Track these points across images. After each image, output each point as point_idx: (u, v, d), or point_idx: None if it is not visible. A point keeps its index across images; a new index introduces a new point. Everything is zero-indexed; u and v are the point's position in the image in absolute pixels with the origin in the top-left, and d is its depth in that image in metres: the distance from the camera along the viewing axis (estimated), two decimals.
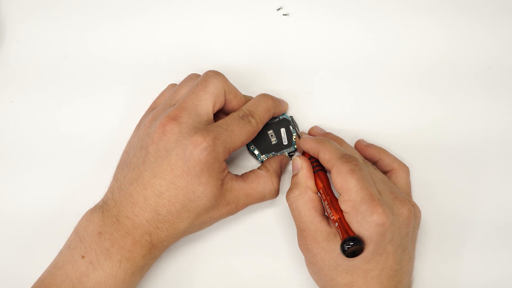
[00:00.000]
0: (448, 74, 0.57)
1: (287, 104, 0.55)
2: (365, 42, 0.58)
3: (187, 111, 0.47)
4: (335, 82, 0.57)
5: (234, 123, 0.48)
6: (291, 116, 0.54)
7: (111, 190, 0.48)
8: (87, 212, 0.48)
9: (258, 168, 0.52)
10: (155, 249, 0.47)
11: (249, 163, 0.55)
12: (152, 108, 0.52)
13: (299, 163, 0.50)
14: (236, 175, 0.50)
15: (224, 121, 0.48)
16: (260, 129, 0.50)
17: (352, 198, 0.45)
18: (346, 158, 0.47)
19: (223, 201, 0.48)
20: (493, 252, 0.54)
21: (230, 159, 0.55)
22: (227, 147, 0.47)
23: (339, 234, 0.46)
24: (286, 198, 0.50)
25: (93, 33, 0.58)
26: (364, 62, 0.57)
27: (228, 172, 0.49)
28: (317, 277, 0.49)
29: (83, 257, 0.45)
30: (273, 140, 0.54)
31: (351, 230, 0.45)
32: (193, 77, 0.52)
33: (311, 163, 0.50)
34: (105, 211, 0.47)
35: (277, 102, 0.53)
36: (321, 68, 0.57)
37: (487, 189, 0.55)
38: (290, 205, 0.49)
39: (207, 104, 0.48)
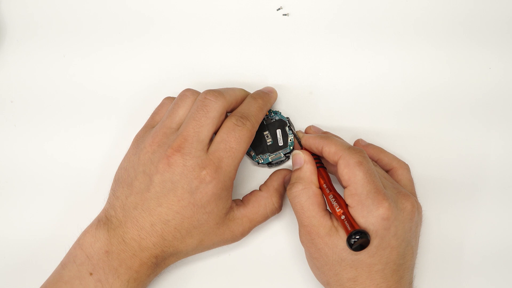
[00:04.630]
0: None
1: (275, 93, 0.54)
2: (365, 42, 0.58)
3: (189, 141, 0.47)
4: (335, 82, 0.57)
5: (231, 136, 0.48)
6: (287, 117, 0.54)
7: (112, 207, 0.49)
8: (91, 227, 0.48)
9: (260, 187, 0.52)
10: (159, 268, 0.49)
11: (244, 163, 0.55)
12: (150, 125, 0.52)
13: (302, 157, 0.50)
14: (238, 200, 0.51)
15: (222, 139, 0.48)
16: (256, 129, 0.50)
17: (358, 192, 0.46)
18: (353, 149, 0.47)
19: (227, 230, 0.49)
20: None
21: None
22: (231, 170, 0.48)
23: (344, 228, 0.46)
24: (287, 192, 0.49)
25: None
26: (364, 62, 0.57)
27: (231, 200, 0.50)
28: (320, 273, 0.48)
29: (91, 274, 0.46)
30: (269, 141, 0.54)
31: (357, 224, 0.45)
32: (189, 94, 0.51)
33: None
34: (110, 229, 0.47)
35: (266, 98, 0.52)
36: (321, 68, 0.57)
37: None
38: (292, 199, 0.49)
39: (208, 129, 0.48)
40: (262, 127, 0.54)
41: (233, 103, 0.50)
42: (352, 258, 0.46)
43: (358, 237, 0.44)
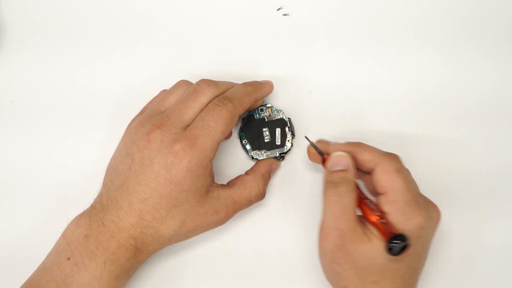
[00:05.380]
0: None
1: (271, 85, 0.54)
2: (365, 42, 0.58)
3: (171, 120, 0.48)
4: (335, 82, 0.57)
5: (209, 115, 0.48)
6: (289, 118, 0.54)
7: (100, 195, 0.49)
8: (76, 217, 0.48)
9: (246, 172, 0.53)
10: (140, 253, 0.47)
11: (238, 157, 0.56)
12: (141, 113, 0.53)
13: (349, 160, 0.47)
14: (222, 184, 0.51)
15: (200, 118, 0.48)
16: (241, 113, 0.50)
17: (398, 199, 0.45)
18: (390, 156, 0.47)
19: (210, 209, 0.48)
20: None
21: (223, 154, 0.56)
22: (208, 147, 0.47)
23: (382, 232, 0.45)
24: (327, 192, 0.47)
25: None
26: (364, 62, 0.57)
27: (214, 182, 0.49)
28: (339, 277, 0.47)
29: (68, 258, 0.46)
30: (266, 138, 0.54)
31: (395, 229, 0.45)
32: (182, 84, 0.52)
33: None
34: (92, 215, 0.47)
35: (257, 86, 0.52)
36: (321, 68, 0.57)
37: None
38: (333, 199, 0.46)
39: (194, 112, 0.48)
40: (263, 123, 0.54)
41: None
42: (382, 264, 0.45)
43: (399, 241, 0.43)
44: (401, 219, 0.45)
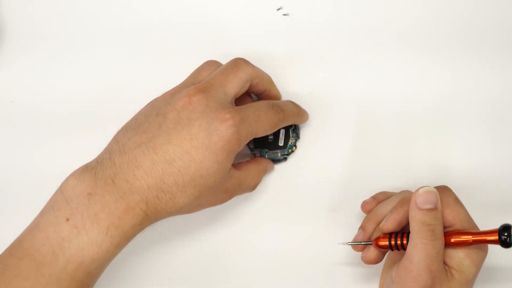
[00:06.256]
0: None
1: (307, 117, 0.55)
2: (365, 42, 0.58)
3: (215, 87, 0.46)
4: (335, 82, 0.57)
5: (263, 109, 0.48)
6: None
7: (109, 151, 0.44)
8: (77, 170, 0.44)
9: (248, 161, 0.52)
10: (146, 220, 0.43)
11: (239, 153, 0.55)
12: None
13: (438, 197, 0.44)
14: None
15: (253, 105, 0.48)
16: (282, 126, 0.50)
17: (466, 227, 0.45)
18: (444, 189, 0.46)
19: (223, 187, 0.47)
20: None
21: None
22: (250, 132, 0.46)
23: (482, 241, 0.44)
24: (422, 235, 0.43)
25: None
26: (364, 62, 0.57)
27: None
28: None
29: (67, 220, 0.41)
30: (270, 138, 0.54)
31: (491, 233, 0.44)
32: (212, 63, 0.51)
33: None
34: (98, 171, 0.43)
35: (302, 112, 0.53)
36: (321, 68, 0.57)
37: None
38: (428, 244, 0.43)
39: (233, 87, 0.47)
40: None
41: (258, 78, 0.50)
42: None
43: (506, 233, 0.42)
44: (466, 252, 0.44)
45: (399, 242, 0.46)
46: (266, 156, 0.54)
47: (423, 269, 0.43)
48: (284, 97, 0.56)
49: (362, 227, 0.50)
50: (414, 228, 0.44)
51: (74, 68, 0.58)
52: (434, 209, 0.43)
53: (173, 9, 0.59)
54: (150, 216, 0.43)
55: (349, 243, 0.49)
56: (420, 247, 0.43)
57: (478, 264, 0.45)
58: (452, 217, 0.45)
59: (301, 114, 0.53)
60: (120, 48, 0.58)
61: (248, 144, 0.54)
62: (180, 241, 0.51)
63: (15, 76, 0.58)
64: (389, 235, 0.47)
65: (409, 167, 0.54)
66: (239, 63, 0.49)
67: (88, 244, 0.41)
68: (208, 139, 0.43)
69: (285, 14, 0.58)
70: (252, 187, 0.52)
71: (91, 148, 0.56)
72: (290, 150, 0.54)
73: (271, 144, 0.54)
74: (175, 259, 0.54)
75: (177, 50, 0.58)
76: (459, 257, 0.44)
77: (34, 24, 0.59)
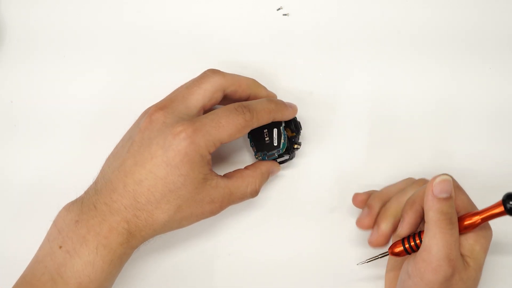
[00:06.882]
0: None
1: (293, 110, 0.52)
2: (365, 42, 0.58)
3: (175, 102, 0.47)
4: (335, 82, 0.57)
5: (224, 114, 0.47)
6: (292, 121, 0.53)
7: (95, 181, 0.48)
8: (68, 203, 0.47)
9: (245, 167, 0.52)
10: (133, 238, 0.46)
11: (241, 158, 0.56)
12: None
13: (452, 185, 0.44)
14: (220, 175, 0.49)
15: (213, 112, 0.47)
16: (254, 126, 0.49)
17: (471, 209, 0.46)
18: (442, 177, 0.46)
19: (207, 197, 0.47)
20: None
21: (227, 155, 0.55)
22: (210, 139, 0.46)
23: (488, 217, 0.44)
24: (441, 224, 0.44)
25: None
26: (363, 62, 0.57)
27: (212, 170, 0.48)
28: None
29: (60, 247, 0.44)
30: (267, 139, 0.53)
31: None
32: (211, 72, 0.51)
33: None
34: (84, 200, 0.46)
35: (280, 106, 0.51)
36: (321, 68, 0.57)
37: None
38: (446, 233, 0.44)
39: (197, 98, 0.48)
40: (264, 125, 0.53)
41: (234, 85, 0.50)
42: (476, 285, 0.45)
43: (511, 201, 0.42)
44: (475, 237, 0.45)
45: (413, 243, 0.46)
46: (266, 158, 0.53)
47: (443, 259, 0.43)
48: (285, 97, 0.56)
49: (369, 206, 0.51)
50: (432, 218, 0.44)
51: (74, 68, 0.58)
52: (450, 197, 0.44)
53: (173, 9, 0.59)
54: (134, 233, 0.45)
55: (367, 261, 0.49)
56: (438, 236, 0.43)
57: (486, 249, 0.45)
58: (456, 204, 0.45)
59: (280, 109, 0.50)
60: (120, 49, 0.58)
61: (252, 148, 0.54)
62: (180, 241, 0.50)
63: (15, 76, 0.58)
64: (402, 240, 0.47)
65: (410, 167, 0.54)
66: (206, 74, 0.49)
67: (82, 265, 0.44)
68: (166, 156, 0.45)
69: (285, 14, 0.58)
70: (251, 194, 0.50)
71: (90, 147, 0.56)
72: (283, 149, 0.52)
73: (268, 145, 0.53)
74: (175, 258, 0.54)
75: (177, 53, 0.58)
76: (469, 244, 0.45)
77: (34, 24, 0.59)
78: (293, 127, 0.53)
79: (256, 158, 0.53)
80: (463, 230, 0.45)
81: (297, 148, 0.53)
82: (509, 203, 0.42)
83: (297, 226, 0.54)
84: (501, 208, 0.43)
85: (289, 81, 0.57)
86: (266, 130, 0.53)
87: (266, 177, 0.52)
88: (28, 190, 0.56)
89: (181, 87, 0.49)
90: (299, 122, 0.53)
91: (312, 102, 0.57)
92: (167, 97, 0.48)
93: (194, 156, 0.45)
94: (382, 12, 0.58)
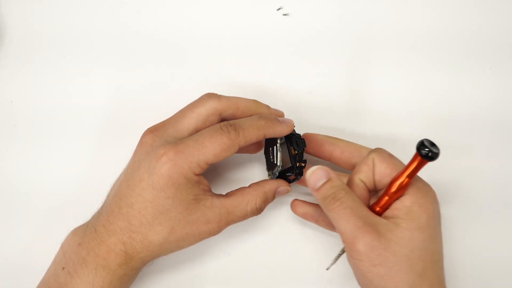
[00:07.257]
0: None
1: (287, 126, 0.49)
2: (365, 42, 0.58)
3: (167, 126, 0.48)
4: (335, 82, 0.57)
5: (208, 134, 0.46)
6: (291, 135, 0.51)
7: (101, 206, 0.49)
8: (75, 227, 0.49)
9: (249, 185, 0.50)
10: (131, 259, 0.46)
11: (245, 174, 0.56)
12: None
13: (325, 169, 0.46)
14: (220, 194, 0.48)
15: (198, 133, 0.47)
16: (242, 145, 0.47)
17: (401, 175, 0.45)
18: (377, 149, 0.48)
19: (201, 218, 0.47)
20: None
21: (235, 172, 0.56)
22: (193, 161, 0.45)
23: (413, 173, 0.44)
24: (328, 207, 0.45)
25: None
26: (363, 62, 0.57)
27: (208, 190, 0.47)
28: (386, 279, 0.44)
29: (63, 268, 0.46)
30: (271, 158, 0.52)
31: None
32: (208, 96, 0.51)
33: None
34: (89, 224, 0.48)
35: (271, 122, 0.48)
36: (321, 68, 0.57)
37: None
38: (337, 210, 0.45)
39: (189, 122, 0.48)
40: (271, 143, 0.52)
41: (231, 109, 0.49)
42: (420, 247, 0.44)
43: (426, 148, 0.42)
44: (412, 198, 0.45)
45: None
46: (272, 177, 0.51)
47: (352, 231, 0.44)
48: (284, 97, 0.56)
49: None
50: (324, 208, 0.46)
51: (74, 68, 0.58)
52: (328, 180, 0.46)
53: (173, 9, 0.59)
54: (132, 255, 0.46)
55: (332, 264, 0.49)
56: (336, 217, 0.45)
57: (428, 209, 0.45)
58: (390, 170, 0.46)
59: (270, 125, 0.48)
60: (120, 49, 0.58)
61: (266, 168, 0.53)
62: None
63: (15, 76, 0.58)
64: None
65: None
66: (202, 98, 0.49)
67: (82, 285, 0.45)
68: (151, 179, 0.45)
69: (285, 14, 0.58)
70: (251, 212, 0.49)
71: (90, 147, 0.56)
72: (279, 167, 0.50)
73: (272, 163, 0.51)
74: (175, 258, 0.54)
75: (177, 53, 0.58)
76: (405, 206, 0.45)
77: (34, 24, 0.59)
78: (294, 145, 0.50)
79: (268, 177, 0.53)
80: (396, 193, 0.45)
81: (303, 167, 0.50)
82: (423, 149, 0.42)
83: (297, 226, 0.54)
84: (419, 158, 0.43)
85: (288, 81, 0.57)
86: (271, 148, 0.51)
87: (270, 196, 0.50)
88: (28, 189, 0.56)
89: (179, 111, 0.49)
90: (303, 140, 0.50)
91: (312, 102, 0.57)
92: (163, 120, 0.49)
93: (178, 178, 0.45)
94: (382, 13, 0.58)
